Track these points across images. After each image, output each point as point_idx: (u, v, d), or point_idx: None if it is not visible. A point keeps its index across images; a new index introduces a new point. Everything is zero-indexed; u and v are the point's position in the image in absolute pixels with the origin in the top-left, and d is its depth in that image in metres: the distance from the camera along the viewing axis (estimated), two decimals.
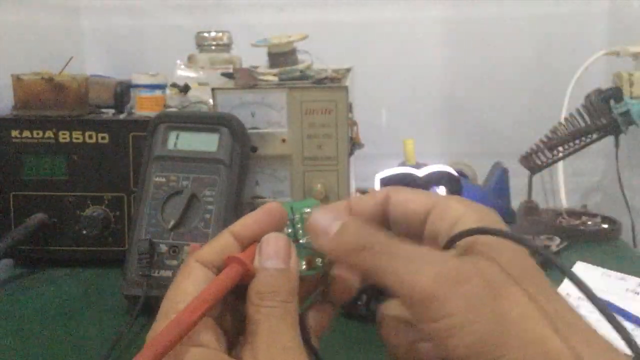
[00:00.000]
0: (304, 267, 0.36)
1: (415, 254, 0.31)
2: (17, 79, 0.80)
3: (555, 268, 0.31)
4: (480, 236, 0.32)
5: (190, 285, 0.33)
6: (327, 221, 0.34)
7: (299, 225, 0.37)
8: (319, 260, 0.36)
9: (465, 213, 0.34)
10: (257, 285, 0.33)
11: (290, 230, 0.37)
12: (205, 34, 1.01)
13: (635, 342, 0.28)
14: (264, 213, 0.36)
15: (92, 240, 0.79)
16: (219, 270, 0.34)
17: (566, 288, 0.69)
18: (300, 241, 0.36)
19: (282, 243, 0.34)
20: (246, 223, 0.35)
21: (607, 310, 0.29)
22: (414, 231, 0.36)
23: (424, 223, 0.35)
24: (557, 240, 0.86)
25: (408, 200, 0.36)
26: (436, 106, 1.20)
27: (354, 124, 0.80)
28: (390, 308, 0.36)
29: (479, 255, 0.31)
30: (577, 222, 0.94)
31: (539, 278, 0.31)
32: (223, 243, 0.35)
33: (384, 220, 0.37)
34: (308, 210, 0.37)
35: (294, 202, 0.37)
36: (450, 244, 0.34)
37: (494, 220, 0.34)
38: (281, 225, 0.36)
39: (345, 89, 0.74)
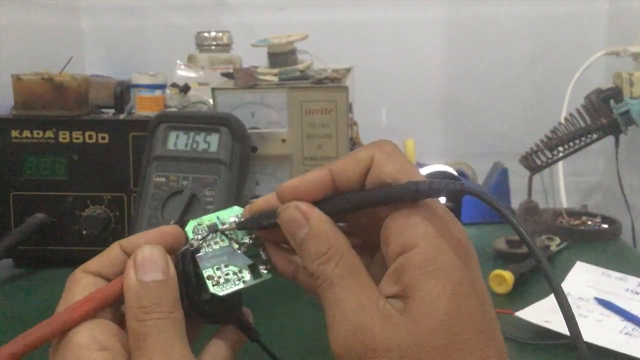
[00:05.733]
0: (248, 277, 0.35)
1: (350, 296, 0.30)
2: (17, 79, 0.80)
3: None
4: (420, 278, 0.30)
5: (79, 291, 0.33)
6: (298, 220, 0.32)
7: (231, 235, 0.36)
8: (262, 268, 0.35)
9: (418, 247, 0.31)
10: (139, 300, 0.31)
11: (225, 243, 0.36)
12: (205, 34, 1.01)
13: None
14: (156, 232, 0.35)
15: (92, 240, 0.79)
16: (108, 281, 0.34)
17: (566, 288, 0.69)
18: (238, 251, 0.36)
19: (157, 253, 0.33)
20: (136, 240, 0.35)
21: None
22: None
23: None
24: (557, 240, 0.86)
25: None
26: (436, 106, 1.20)
27: (354, 124, 0.80)
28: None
29: (410, 313, 0.29)
30: (577, 222, 0.94)
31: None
32: (112, 256, 0.34)
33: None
34: (234, 219, 0.36)
35: (219, 212, 0.37)
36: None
37: (462, 265, 0.31)
38: (173, 248, 0.34)
39: (345, 89, 0.74)
